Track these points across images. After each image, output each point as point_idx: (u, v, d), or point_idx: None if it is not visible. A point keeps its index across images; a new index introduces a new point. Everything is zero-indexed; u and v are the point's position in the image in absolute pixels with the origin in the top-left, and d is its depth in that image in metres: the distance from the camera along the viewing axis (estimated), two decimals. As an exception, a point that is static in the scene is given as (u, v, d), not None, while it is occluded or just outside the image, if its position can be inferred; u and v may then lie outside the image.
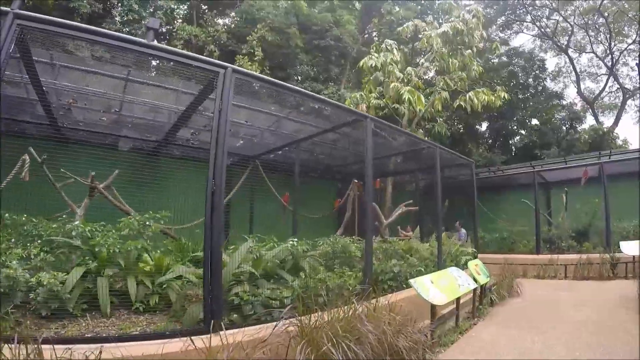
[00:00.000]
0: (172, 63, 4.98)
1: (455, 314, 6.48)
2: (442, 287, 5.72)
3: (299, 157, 11.72)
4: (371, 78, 14.96)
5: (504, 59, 26.55)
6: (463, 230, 14.12)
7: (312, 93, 5.81)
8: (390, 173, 15.00)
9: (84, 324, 4.47)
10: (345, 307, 4.64)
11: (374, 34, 24.58)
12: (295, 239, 6.37)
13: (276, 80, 5.52)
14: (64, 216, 7.06)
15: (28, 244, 5.34)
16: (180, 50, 5.03)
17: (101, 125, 8.88)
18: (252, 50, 17.96)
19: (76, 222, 6.36)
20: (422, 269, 7.49)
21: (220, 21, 20.35)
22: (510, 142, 27.86)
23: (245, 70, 5.35)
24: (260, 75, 5.45)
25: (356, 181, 13.36)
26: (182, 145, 10.02)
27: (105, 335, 4.08)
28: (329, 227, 11.81)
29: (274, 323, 4.29)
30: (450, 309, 6.75)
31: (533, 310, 7.87)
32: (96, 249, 5.47)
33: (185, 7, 21.56)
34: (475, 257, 9.98)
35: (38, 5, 13.43)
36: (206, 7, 21.56)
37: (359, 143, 11.13)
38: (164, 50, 4.79)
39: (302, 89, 5.77)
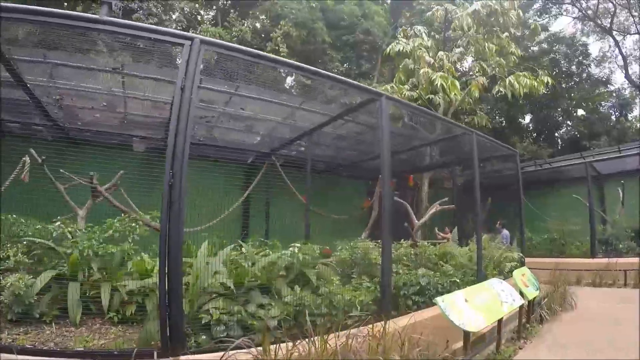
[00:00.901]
0: (128, 39, 4.04)
1: (496, 335, 5.00)
2: (479, 306, 4.27)
3: (325, 154, 10.65)
4: (400, 67, 13.46)
5: (544, 45, 24.11)
6: (505, 232, 12.24)
7: (307, 66, 4.58)
8: (424, 168, 13.46)
9: (47, 332, 4.01)
10: (344, 332, 3.38)
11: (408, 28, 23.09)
12: (298, 244, 5.15)
13: (261, 52, 4.38)
14: (58, 218, 6.38)
15: (8, 245, 4.97)
16: (135, 23, 4.05)
17: (102, 124, 8.23)
18: (277, 47, 16.95)
19: (57, 223, 5.66)
20: (458, 280, 6.04)
21: (245, 22, 19.61)
22: (555, 134, 25.30)
23: (218, 40, 4.27)
24: (237, 45, 4.34)
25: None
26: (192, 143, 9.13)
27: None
28: (357, 229, 10.53)
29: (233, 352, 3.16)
30: (491, 325, 5.27)
31: (591, 329, 6.28)
32: (68, 252, 4.83)
33: (212, 13, 21.13)
34: (522, 264, 8.32)
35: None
36: (233, 11, 21.00)
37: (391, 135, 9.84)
38: (115, 24, 3.82)
39: (293, 62, 4.55)
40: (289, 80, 19.34)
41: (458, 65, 14.99)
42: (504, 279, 6.62)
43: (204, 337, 3.68)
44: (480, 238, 7.38)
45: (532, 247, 12.97)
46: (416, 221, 10.33)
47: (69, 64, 6.05)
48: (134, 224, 5.65)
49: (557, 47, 23.81)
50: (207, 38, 4.11)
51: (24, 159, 6.55)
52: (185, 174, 3.58)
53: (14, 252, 4.80)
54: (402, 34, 13.70)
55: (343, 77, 4.83)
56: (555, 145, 24.38)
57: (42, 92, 6.82)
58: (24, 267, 4.69)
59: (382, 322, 3.76)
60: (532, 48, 23.45)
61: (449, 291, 5.60)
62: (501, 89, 12.82)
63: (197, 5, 20.17)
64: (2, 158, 6.25)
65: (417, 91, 13.45)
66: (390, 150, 10.19)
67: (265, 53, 4.45)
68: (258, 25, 20.20)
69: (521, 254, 8.82)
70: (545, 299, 7.06)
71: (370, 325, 3.80)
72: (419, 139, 9.61)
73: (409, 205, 11.13)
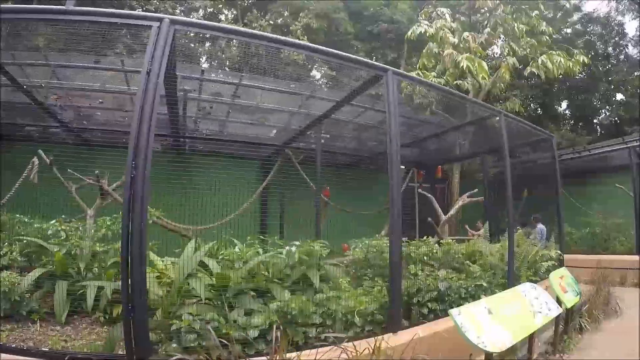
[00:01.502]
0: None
1: (525, 347, 4.17)
2: (506, 319, 3.43)
3: (346, 146, 10.02)
4: (424, 51, 12.51)
5: (578, 27, 22.31)
6: (540, 226, 10.98)
7: (286, 38, 3.98)
8: (454, 158, 12.59)
9: (32, 329, 4.00)
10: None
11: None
12: (297, 242, 4.53)
13: (236, 27, 3.83)
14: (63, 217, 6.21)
15: (6, 243, 5.02)
16: (100, 10, 3.66)
17: (113, 123, 8.03)
18: (298, 39, 16.42)
19: (52, 222, 5.74)
20: (484, 283, 5.23)
21: (266, 18, 19.28)
22: (594, 120, 23.42)
23: (190, 19, 3.80)
24: (211, 23, 3.89)
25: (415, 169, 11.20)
26: (206, 139, 8.82)
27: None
28: (382, 225, 9.81)
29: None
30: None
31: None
32: (55, 250, 4.80)
33: (234, 12, 20.92)
34: (561, 263, 7.30)
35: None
36: (255, 8, 20.72)
37: (413, 125, 9.09)
38: (77, 13, 3.52)
39: (269, 35, 3.91)
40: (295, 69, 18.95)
41: (488, 51, 13.94)
42: (539, 281, 5.76)
43: (174, 345, 3.18)
44: (513, 234, 6.44)
45: (571, 243, 11.71)
46: (443, 216, 9.48)
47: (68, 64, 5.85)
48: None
49: (591, 27, 22.04)
50: (178, 17, 3.66)
51: (32, 160, 6.51)
52: (149, 166, 3.08)
53: (10, 250, 4.85)
54: (423, 16, 12.73)
55: (336, 51, 4.13)
56: (594, 132, 22.54)
57: (43, 93, 6.70)
58: (18, 265, 4.74)
59: (377, 339, 3.09)
60: (564, 30, 21.78)
61: (473, 296, 4.84)
62: (533, 70, 11.68)
63: (220, 5, 19.95)
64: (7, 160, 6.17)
65: (444, 77, 12.50)
66: (413, 139, 9.55)
67: (241, 28, 3.89)
68: (279, 20, 19.79)
69: (559, 252, 7.77)
70: (586, 305, 6.06)
71: (372, 340, 3.15)
72: (443, 125, 8.81)
73: (438, 198, 10.27)
